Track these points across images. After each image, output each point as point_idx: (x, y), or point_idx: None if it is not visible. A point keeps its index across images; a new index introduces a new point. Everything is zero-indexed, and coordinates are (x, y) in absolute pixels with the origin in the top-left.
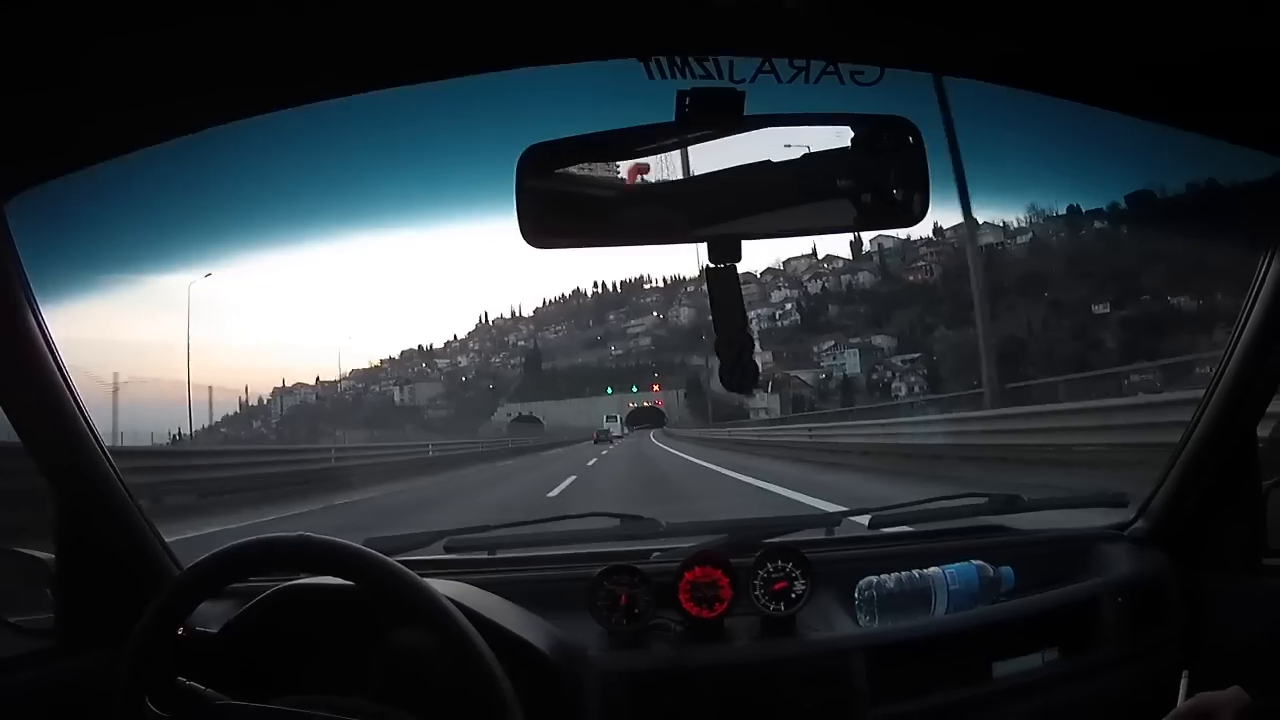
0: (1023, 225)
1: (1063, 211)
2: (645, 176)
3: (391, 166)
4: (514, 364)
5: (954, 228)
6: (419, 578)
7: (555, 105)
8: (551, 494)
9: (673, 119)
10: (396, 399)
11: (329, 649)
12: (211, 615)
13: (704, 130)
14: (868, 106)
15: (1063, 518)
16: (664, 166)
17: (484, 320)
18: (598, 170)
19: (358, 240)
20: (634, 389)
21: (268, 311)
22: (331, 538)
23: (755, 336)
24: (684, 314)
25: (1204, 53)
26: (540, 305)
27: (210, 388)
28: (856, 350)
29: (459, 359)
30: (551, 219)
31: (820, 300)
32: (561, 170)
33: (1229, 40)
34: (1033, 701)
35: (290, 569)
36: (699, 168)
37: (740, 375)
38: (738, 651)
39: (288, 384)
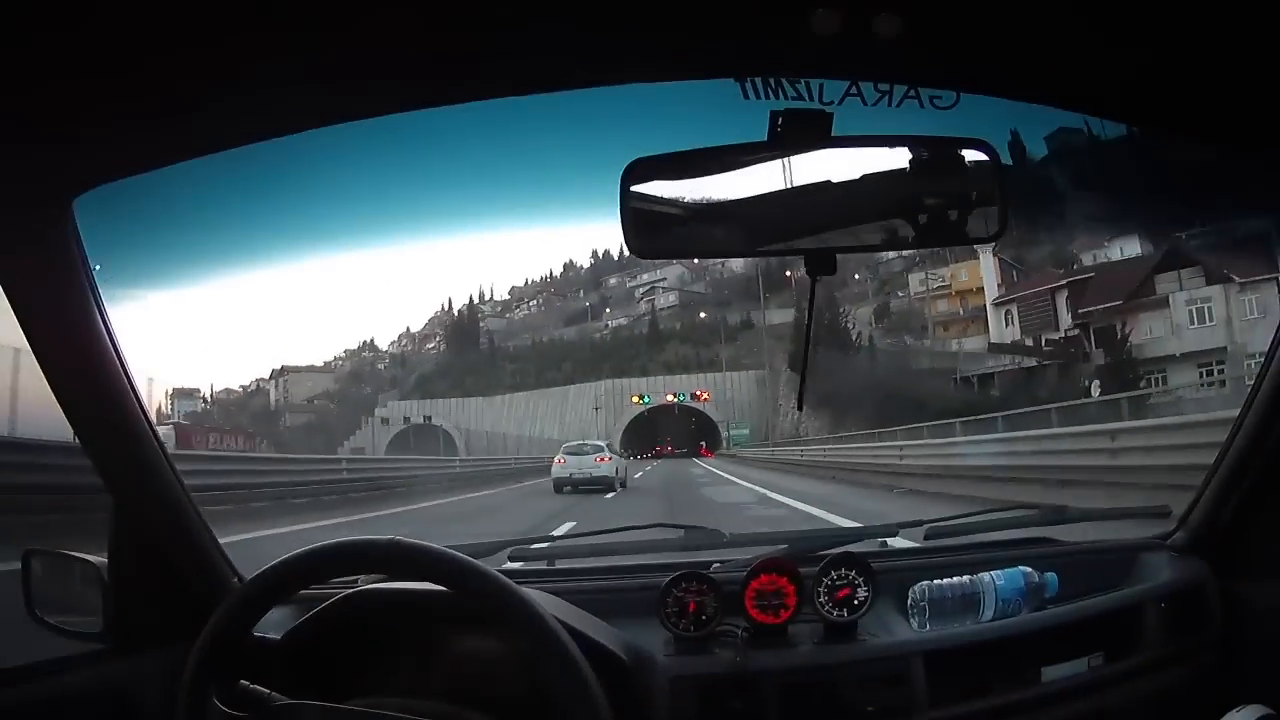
0: None
1: None
2: (743, 191)
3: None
4: (444, 349)
5: None
6: (519, 586)
7: (652, 120)
8: None
9: (765, 137)
10: (271, 400)
11: (391, 654)
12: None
13: (795, 149)
14: (945, 128)
15: (1108, 529)
16: (759, 182)
17: (445, 307)
18: (698, 184)
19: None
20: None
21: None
22: (423, 542)
23: None
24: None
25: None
26: (520, 284)
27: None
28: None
29: (398, 347)
30: (656, 230)
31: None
32: (664, 183)
33: None
34: (1079, 704)
35: (377, 573)
36: (793, 184)
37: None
38: (802, 656)
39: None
